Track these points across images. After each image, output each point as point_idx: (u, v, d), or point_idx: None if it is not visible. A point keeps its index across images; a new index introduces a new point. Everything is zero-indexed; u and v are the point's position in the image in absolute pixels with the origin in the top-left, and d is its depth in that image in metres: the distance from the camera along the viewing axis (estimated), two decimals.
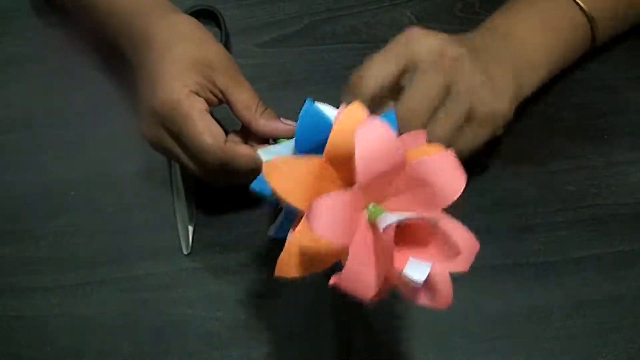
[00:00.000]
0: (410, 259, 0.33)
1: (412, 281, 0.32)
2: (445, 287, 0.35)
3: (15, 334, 0.47)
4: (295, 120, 0.40)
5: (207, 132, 0.44)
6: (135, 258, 0.50)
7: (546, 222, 0.50)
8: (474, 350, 0.46)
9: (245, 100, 0.46)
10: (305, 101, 0.37)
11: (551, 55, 0.52)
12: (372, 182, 0.33)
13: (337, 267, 0.34)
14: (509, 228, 0.50)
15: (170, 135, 0.45)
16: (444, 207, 0.34)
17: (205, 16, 0.60)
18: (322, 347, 0.46)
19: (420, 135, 0.37)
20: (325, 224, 0.31)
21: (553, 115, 0.55)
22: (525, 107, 0.54)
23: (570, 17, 0.52)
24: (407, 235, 0.34)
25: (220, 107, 0.47)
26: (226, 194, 0.52)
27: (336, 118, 0.36)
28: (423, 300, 0.35)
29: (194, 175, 0.48)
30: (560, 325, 0.46)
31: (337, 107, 0.39)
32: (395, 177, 0.34)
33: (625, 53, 0.58)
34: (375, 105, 0.45)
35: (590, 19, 0.52)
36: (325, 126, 0.36)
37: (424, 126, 0.43)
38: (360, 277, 0.33)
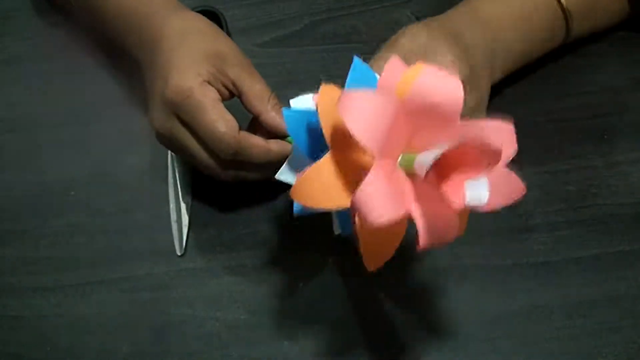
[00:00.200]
0: (465, 183, 0.32)
1: (480, 204, 0.32)
2: (512, 180, 0.35)
3: (15, 334, 0.47)
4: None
5: (220, 119, 0.44)
6: (135, 258, 0.50)
7: (546, 222, 0.50)
8: (474, 350, 0.46)
9: (257, 91, 0.46)
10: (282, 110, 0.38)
11: (527, 43, 0.53)
12: (386, 142, 0.32)
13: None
14: (509, 228, 0.50)
15: (182, 125, 0.45)
16: (456, 116, 0.34)
17: (207, 17, 0.59)
18: (321, 347, 0.46)
19: (397, 64, 0.36)
20: (378, 212, 0.31)
21: (553, 115, 0.55)
22: (526, 107, 0.54)
23: (548, 9, 0.53)
24: (449, 161, 0.33)
25: (230, 103, 0.47)
26: (226, 194, 0.52)
27: (316, 104, 0.36)
28: (499, 203, 0.34)
29: (204, 170, 0.47)
30: (560, 325, 0.46)
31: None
32: (403, 121, 0.33)
33: (625, 53, 0.58)
34: None
35: (567, 13, 0.53)
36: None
37: None
38: (440, 227, 0.32)
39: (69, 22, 0.61)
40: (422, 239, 0.32)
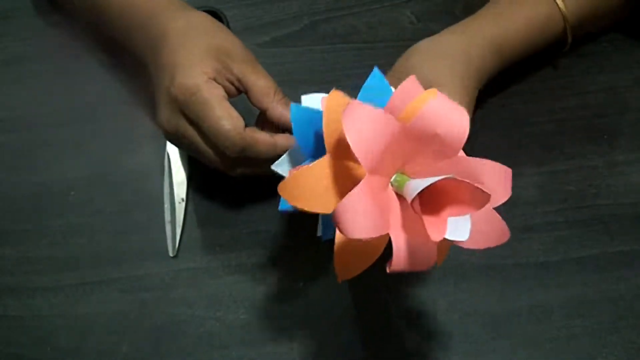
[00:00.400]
0: (448, 220, 0.32)
1: (459, 239, 0.32)
2: (497, 223, 0.34)
3: (15, 334, 0.47)
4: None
5: (226, 117, 0.44)
6: (135, 258, 0.50)
7: (546, 222, 0.50)
8: (474, 350, 0.46)
9: (263, 86, 0.46)
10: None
11: (525, 47, 0.53)
12: (380, 160, 0.32)
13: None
14: (509, 228, 0.50)
15: (189, 122, 0.45)
16: (457, 150, 0.34)
17: None
18: (321, 347, 0.46)
19: (413, 85, 0.36)
20: (356, 226, 0.31)
21: (553, 115, 0.55)
22: (526, 107, 0.54)
23: (547, 14, 0.52)
24: (439, 192, 0.33)
25: (235, 98, 0.47)
26: (227, 194, 0.52)
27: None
28: (481, 244, 0.34)
29: (212, 166, 0.47)
30: (560, 325, 0.46)
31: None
32: (403, 142, 0.33)
33: (625, 53, 0.58)
34: None
35: (565, 19, 0.52)
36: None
37: None
38: (416, 254, 0.32)
39: (69, 22, 0.61)
40: (394, 263, 0.32)
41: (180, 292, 0.48)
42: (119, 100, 0.57)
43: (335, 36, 0.60)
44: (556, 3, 0.52)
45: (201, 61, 0.45)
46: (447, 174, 0.32)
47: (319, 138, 0.37)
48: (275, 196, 0.51)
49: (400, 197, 0.34)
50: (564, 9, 0.52)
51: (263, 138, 0.45)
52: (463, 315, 0.47)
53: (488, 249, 0.35)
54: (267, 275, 0.49)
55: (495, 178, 0.35)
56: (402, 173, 0.34)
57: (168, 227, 0.50)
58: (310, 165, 0.34)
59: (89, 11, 0.55)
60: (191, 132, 0.45)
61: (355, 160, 0.34)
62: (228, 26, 0.59)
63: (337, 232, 0.34)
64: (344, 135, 0.32)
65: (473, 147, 0.37)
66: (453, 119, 0.34)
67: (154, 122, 0.49)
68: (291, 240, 0.50)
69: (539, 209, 0.51)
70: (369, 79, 0.38)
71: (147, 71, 0.49)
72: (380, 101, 0.36)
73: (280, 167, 0.41)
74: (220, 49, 0.46)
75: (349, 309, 0.47)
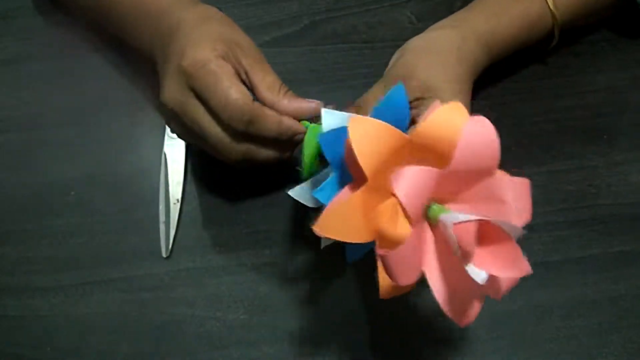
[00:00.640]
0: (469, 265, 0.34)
1: (477, 279, 0.34)
2: (503, 284, 0.37)
3: (15, 334, 0.47)
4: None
5: (234, 87, 0.44)
6: (135, 258, 0.50)
7: (546, 222, 0.50)
8: (474, 350, 0.46)
9: (269, 81, 0.46)
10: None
11: (515, 43, 0.53)
12: (459, 173, 0.33)
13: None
14: None
15: (195, 96, 0.45)
16: (494, 170, 0.35)
17: None
18: (321, 347, 0.46)
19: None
20: (404, 275, 0.33)
21: (553, 115, 0.55)
22: (526, 107, 0.54)
23: (538, 11, 0.53)
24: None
25: None
26: (227, 194, 0.52)
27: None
28: (502, 288, 0.37)
29: (213, 149, 0.46)
30: (560, 325, 0.46)
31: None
32: (475, 181, 0.35)
33: (625, 53, 0.58)
34: None
35: (554, 17, 0.53)
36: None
37: None
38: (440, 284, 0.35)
39: (70, 21, 0.61)
40: (442, 304, 0.35)
41: (180, 292, 0.48)
42: (119, 100, 0.57)
43: (335, 36, 0.60)
44: (546, 1, 0.52)
45: (213, 42, 0.45)
46: (478, 199, 0.34)
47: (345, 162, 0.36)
48: (276, 196, 0.52)
49: (433, 226, 0.35)
50: (553, 8, 0.52)
51: (270, 113, 0.45)
52: None
53: None
54: (267, 275, 0.49)
55: (517, 195, 0.36)
56: (434, 201, 0.35)
57: (162, 228, 0.50)
58: (349, 198, 0.34)
59: (93, 9, 0.55)
60: (197, 107, 0.45)
61: (390, 195, 0.34)
62: None
63: (381, 272, 0.34)
64: (445, 134, 0.33)
65: None
66: (489, 146, 0.34)
67: (155, 104, 0.48)
68: (291, 240, 0.50)
69: (539, 209, 0.50)
70: (387, 96, 0.37)
71: (152, 66, 0.49)
72: (397, 116, 0.36)
73: (297, 193, 0.41)
74: (233, 40, 0.46)
75: (349, 309, 0.47)
